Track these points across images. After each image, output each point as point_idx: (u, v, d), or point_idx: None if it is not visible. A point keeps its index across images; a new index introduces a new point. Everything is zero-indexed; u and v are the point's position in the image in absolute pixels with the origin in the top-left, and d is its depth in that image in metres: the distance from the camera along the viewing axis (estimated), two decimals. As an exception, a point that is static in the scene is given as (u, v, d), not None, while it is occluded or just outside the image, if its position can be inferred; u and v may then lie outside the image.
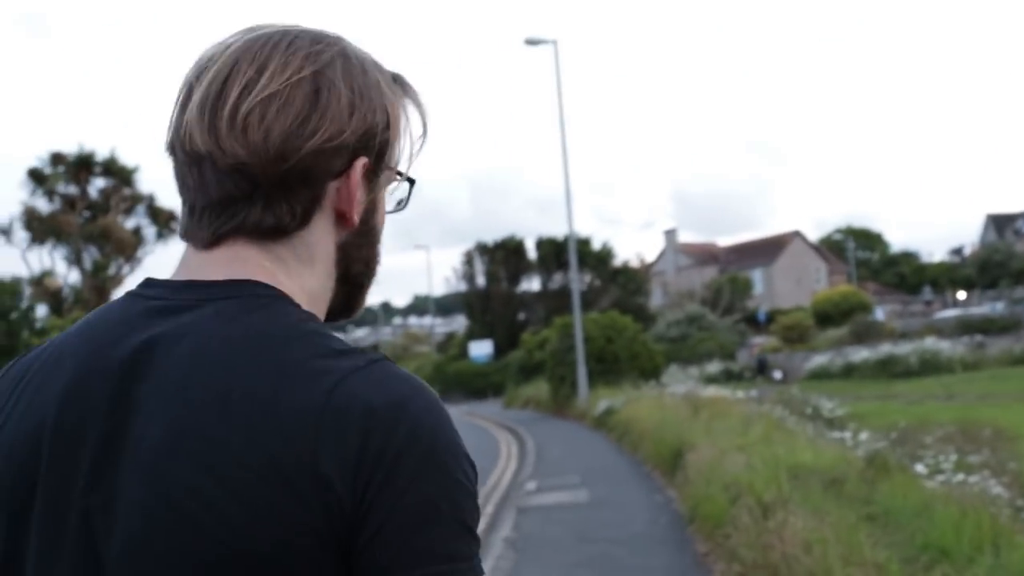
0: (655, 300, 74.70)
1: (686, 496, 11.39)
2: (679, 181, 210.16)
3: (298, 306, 1.12)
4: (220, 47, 1.16)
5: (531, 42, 31.73)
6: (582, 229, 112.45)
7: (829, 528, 6.53)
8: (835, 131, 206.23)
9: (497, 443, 24.98)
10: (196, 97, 1.12)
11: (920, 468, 11.09)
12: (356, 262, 1.22)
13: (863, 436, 14.64)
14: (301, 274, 1.16)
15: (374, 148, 1.17)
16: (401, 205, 1.28)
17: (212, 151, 1.10)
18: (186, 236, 1.16)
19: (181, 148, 1.13)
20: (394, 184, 1.24)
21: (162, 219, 38.40)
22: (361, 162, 1.15)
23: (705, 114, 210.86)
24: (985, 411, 22.79)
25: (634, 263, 69.49)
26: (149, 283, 1.15)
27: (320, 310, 1.19)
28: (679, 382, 30.66)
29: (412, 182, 1.26)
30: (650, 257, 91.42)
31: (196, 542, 0.97)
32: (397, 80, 1.23)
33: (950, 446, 14.47)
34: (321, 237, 1.17)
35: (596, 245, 63.20)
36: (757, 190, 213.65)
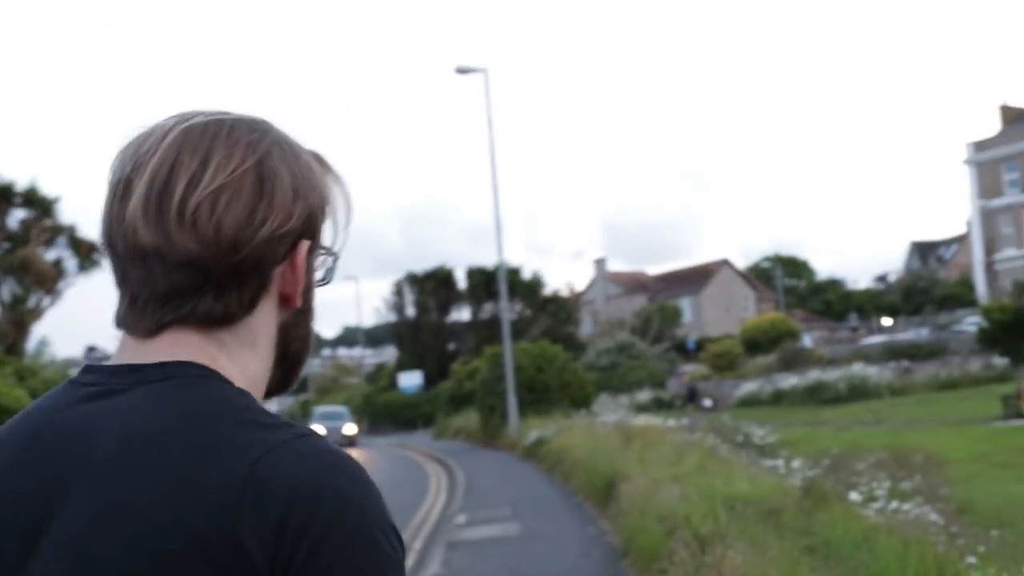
0: (585, 329, 74.61)
1: (620, 528, 11.12)
2: (609, 210, 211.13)
3: (230, 383, 1.12)
4: (154, 138, 1.14)
5: (462, 71, 31.61)
6: (513, 259, 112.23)
7: (770, 563, 6.29)
8: (762, 160, 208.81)
9: (426, 475, 24.61)
10: (138, 192, 1.11)
11: (855, 496, 10.93)
12: (295, 340, 1.23)
13: (796, 464, 14.51)
14: (243, 357, 1.17)
15: (315, 230, 1.19)
16: (326, 279, 1.27)
17: (160, 246, 1.10)
18: (125, 326, 1.16)
19: (124, 242, 1.12)
20: (321, 259, 1.24)
21: (83, 250, 37.38)
22: (305, 245, 1.17)
23: (634, 144, 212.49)
24: (914, 436, 22.89)
25: (564, 292, 69.42)
26: (87, 370, 1.16)
27: (260, 390, 1.20)
28: (610, 411, 30.54)
29: (336, 257, 1.25)
30: (580, 286, 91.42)
31: None
32: (317, 159, 1.24)
33: (882, 472, 14.39)
34: (265, 321, 1.18)
35: (527, 275, 63.09)
36: (686, 219, 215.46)
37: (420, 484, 22.19)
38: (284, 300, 1.18)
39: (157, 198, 1.10)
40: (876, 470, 14.64)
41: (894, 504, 10.56)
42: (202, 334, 1.13)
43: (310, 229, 1.18)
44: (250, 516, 0.98)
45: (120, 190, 1.13)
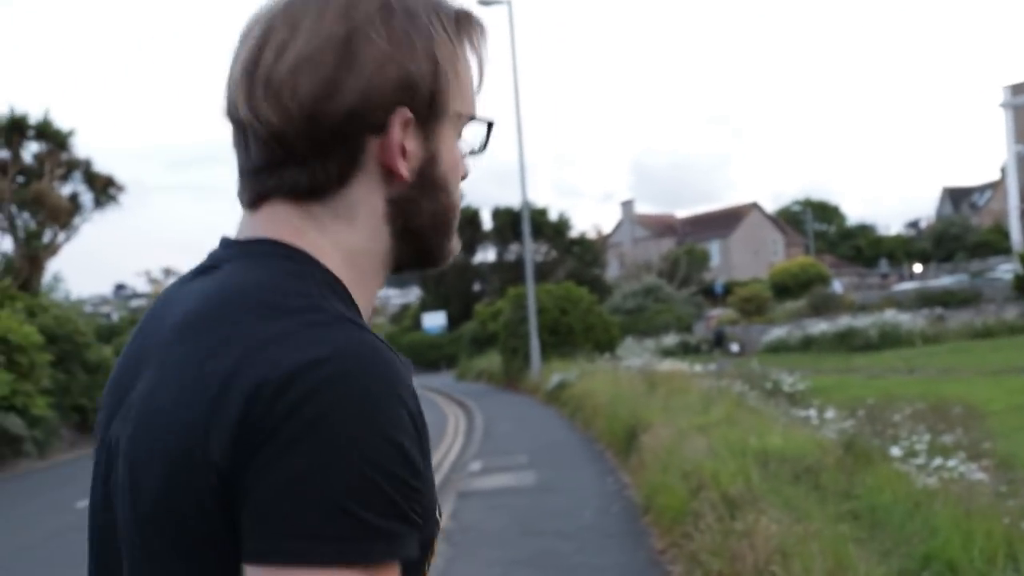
0: (612, 272, 73.85)
1: (641, 482, 10.34)
2: (638, 152, 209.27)
3: (309, 260, 1.10)
4: (266, 5, 1.14)
5: (484, 2, 30.49)
6: (540, 200, 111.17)
7: (810, 533, 5.49)
8: (794, 105, 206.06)
9: (445, 418, 24.03)
10: (238, 62, 1.12)
11: (896, 451, 10.12)
12: (416, 216, 1.16)
13: (829, 414, 13.73)
14: (338, 231, 1.13)
15: (422, 97, 1.12)
16: (480, 149, 1.23)
17: (250, 119, 1.10)
18: (238, 198, 1.17)
19: (229, 115, 1.14)
20: (468, 129, 1.20)
21: (99, 185, 36.54)
22: (400, 116, 1.11)
23: (665, 86, 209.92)
24: (949, 386, 22.12)
25: (591, 234, 68.50)
26: (219, 242, 1.19)
27: (366, 266, 1.15)
28: (635, 355, 29.85)
29: (491, 125, 1.22)
30: (607, 229, 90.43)
31: (139, 492, 1.00)
32: (459, 18, 1.18)
33: (921, 424, 13.57)
34: (364, 194, 1.14)
35: (553, 216, 62.21)
36: (716, 162, 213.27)
37: (438, 427, 21.59)
38: (389, 173, 1.13)
39: (248, 69, 1.10)
40: (914, 422, 13.83)
41: (937, 461, 9.75)
42: (293, 207, 1.12)
43: (412, 97, 1.11)
44: (221, 411, 0.94)
45: (231, 61, 1.13)
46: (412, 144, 1.13)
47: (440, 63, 1.13)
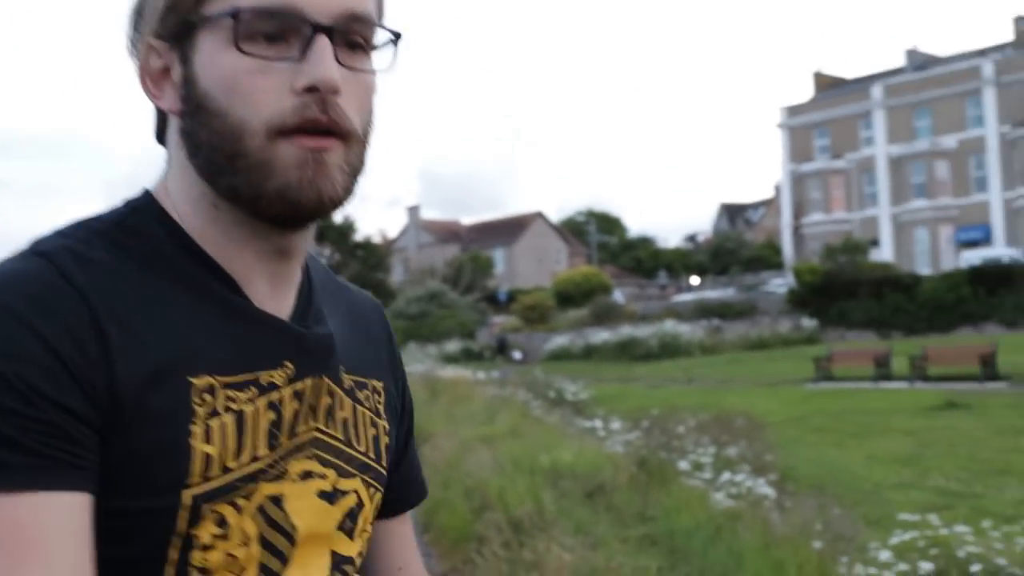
0: (396, 276, 73.10)
1: (420, 498, 9.68)
2: (427, 160, 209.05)
3: (131, 211, 1.10)
4: None
5: None
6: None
7: (605, 561, 4.93)
8: (580, 117, 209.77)
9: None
10: None
11: (684, 465, 9.80)
12: (198, 149, 1.06)
13: (615, 425, 13.41)
14: (169, 176, 1.12)
15: (155, 11, 1.06)
16: (300, 55, 1.03)
17: None
18: None
19: None
20: (226, 28, 1.02)
21: None
22: (145, 41, 1.08)
23: (455, 93, 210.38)
24: (728, 397, 22.34)
25: (376, 238, 67.58)
26: None
27: (209, 211, 1.09)
28: (417, 361, 29.21)
29: (236, 14, 1.02)
30: (393, 233, 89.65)
31: None
32: None
33: (705, 436, 13.40)
34: (171, 133, 1.12)
35: (338, 219, 61.02)
36: (503, 172, 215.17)
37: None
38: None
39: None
40: (699, 433, 13.65)
41: (726, 476, 9.47)
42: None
43: (140, 23, 1.08)
44: None
45: None
46: (175, 68, 1.05)
47: None
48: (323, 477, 1.11)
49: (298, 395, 1.10)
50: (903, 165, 60.08)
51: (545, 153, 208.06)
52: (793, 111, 66.83)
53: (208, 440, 1.00)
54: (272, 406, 1.07)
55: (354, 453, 1.16)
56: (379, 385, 1.24)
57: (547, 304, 50.49)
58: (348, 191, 1.07)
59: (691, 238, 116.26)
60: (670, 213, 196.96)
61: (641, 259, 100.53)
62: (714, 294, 54.15)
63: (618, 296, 56.41)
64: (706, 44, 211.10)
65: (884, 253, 57.12)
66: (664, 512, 6.52)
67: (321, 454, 1.12)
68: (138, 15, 1.08)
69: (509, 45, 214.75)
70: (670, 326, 37.69)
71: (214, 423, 1.01)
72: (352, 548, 1.16)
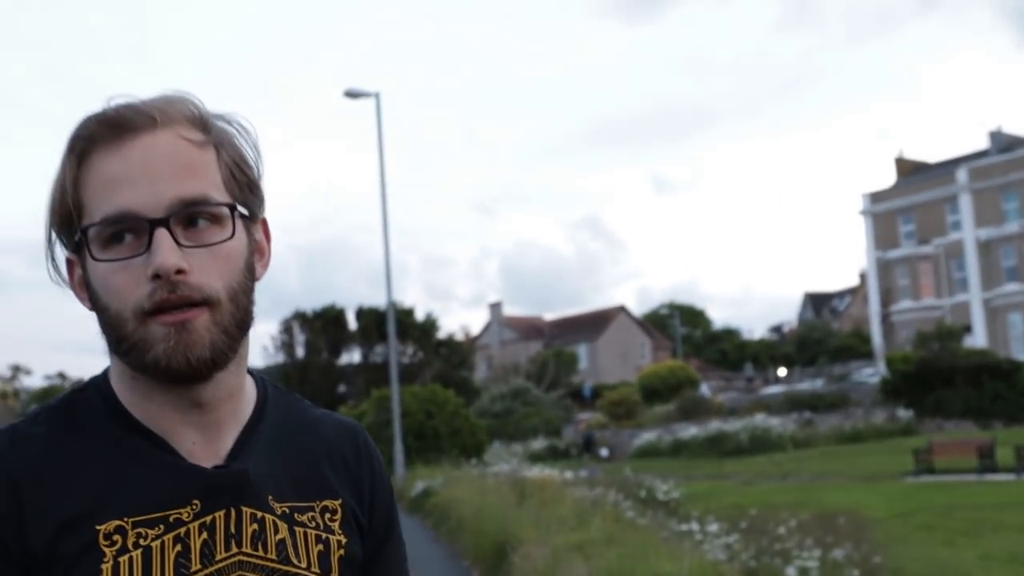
0: (480, 374, 72.83)
1: (513, 613, 9.16)
2: (508, 256, 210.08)
3: (89, 385, 1.36)
4: None
5: (352, 95, 29.58)
6: (412, 301, 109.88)
7: None
8: (661, 209, 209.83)
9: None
10: None
11: (791, 572, 9.20)
12: (105, 335, 1.29)
13: (712, 527, 12.79)
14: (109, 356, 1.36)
15: (59, 229, 1.30)
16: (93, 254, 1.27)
17: None
18: None
19: None
20: (91, 239, 1.27)
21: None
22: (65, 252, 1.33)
23: (535, 190, 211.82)
24: (826, 493, 21.60)
25: (459, 336, 67.50)
26: None
27: (132, 382, 1.30)
28: (503, 460, 28.69)
29: (85, 231, 1.25)
30: (475, 330, 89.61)
31: None
32: (74, 135, 1.27)
33: (808, 538, 12.74)
34: None
35: (420, 316, 61.09)
36: (583, 266, 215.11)
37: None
38: None
39: None
40: (801, 535, 13.01)
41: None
42: None
43: (59, 233, 1.30)
44: None
45: None
46: (81, 274, 1.29)
47: (56, 193, 1.27)
48: None
49: (207, 527, 1.25)
50: (993, 249, 58.76)
51: (626, 247, 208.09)
52: (876, 197, 65.89)
53: (117, 574, 1.18)
54: (178, 539, 1.22)
55: (291, 569, 1.30)
56: (333, 504, 1.40)
57: (633, 399, 49.80)
58: (222, 345, 1.24)
59: (776, 329, 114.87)
60: (754, 304, 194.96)
61: (726, 351, 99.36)
62: (803, 386, 53.03)
63: (705, 390, 55.54)
64: (782, 132, 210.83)
65: (978, 339, 55.59)
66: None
67: (249, 575, 1.26)
68: (50, 232, 1.29)
69: (587, 142, 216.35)
70: (760, 420, 36.83)
71: (123, 559, 1.19)
72: None
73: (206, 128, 1.29)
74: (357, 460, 1.48)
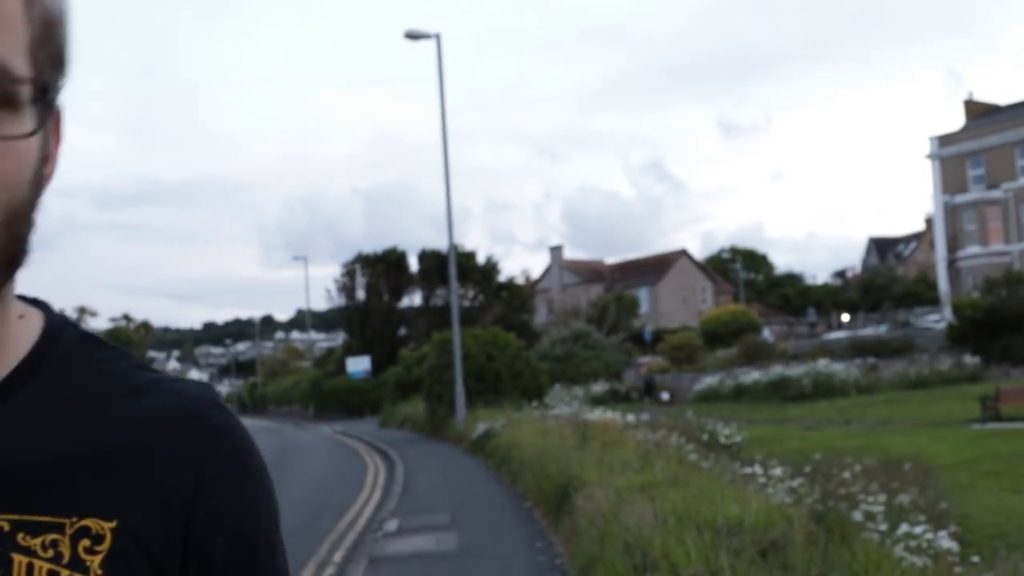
0: (540, 318, 72.82)
1: (576, 552, 9.17)
2: (571, 201, 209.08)
3: None
4: None
5: (412, 36, 29.40)
6: (474, 245, 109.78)
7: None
8: (722, 151, 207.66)
9: (364, 469, 22.69)
10: None
11: (857, 516, 9.12)
12: None
13: (776, 471, 12.69)
14: None
15: None
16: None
17: None
18: None
19: None
20: None
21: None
22: None
23: (598, 134, 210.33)
24: (891, 439, 21.44)
25: (520, 279, 67.44)
26: None
27: None
28: (564, 403, 28.72)
29: None
30: (536, 274, 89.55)
31: None
32: None
33: (873, 483, 12.61)
34: None
35: (481, 259, 61.07)
36: (646, 209, 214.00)
37: (355, 478, 20.30)
38: None
39: None
40: (866, 480, 12.88)
41: (903, 528, 8.75)
42: None
43: None
44: None
45: None
46: None
47: None
48: None
49: None
50: (1065, 193, 57.54)
51: (689, 191, 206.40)
52: (944, 141, 64.56)
53: None
54: None
55: None
56: (98, 526, 0.90)
57: (694, 344, 49.56)
58: None
59: (840, 274, 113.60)
60: (818, 249, 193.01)
61: (789, 296, 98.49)
62: (867, 331, 52.45)
63: (767, 335, 55.13)
64: (849, 74, 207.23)
65: (1047, 285, 54.58)
66: (850, 574, 5.91)
67: None
68: None
69: (654, 82, 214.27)
70: (823, 365, 36.47)
71: None
72: None
73: None
74: (177, 457, 0.96)
